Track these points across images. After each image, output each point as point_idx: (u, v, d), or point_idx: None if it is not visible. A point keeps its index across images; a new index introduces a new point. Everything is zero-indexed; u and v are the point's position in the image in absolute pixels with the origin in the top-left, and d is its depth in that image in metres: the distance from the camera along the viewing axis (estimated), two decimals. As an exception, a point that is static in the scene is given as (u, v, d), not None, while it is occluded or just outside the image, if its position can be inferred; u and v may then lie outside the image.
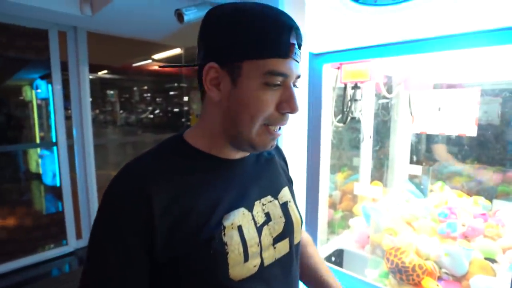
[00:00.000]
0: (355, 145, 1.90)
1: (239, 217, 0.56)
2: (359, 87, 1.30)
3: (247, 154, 0.63)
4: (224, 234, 0.53)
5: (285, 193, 0.67)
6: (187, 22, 1.50)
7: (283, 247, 0.62)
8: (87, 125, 2.82)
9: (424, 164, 1.99)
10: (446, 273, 1.21)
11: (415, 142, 2.06)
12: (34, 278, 2.37)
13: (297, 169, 1.41)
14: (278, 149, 0.78)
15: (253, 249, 0.55)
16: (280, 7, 1.29)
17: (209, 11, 0.56)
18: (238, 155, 0.61)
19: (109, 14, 2.01)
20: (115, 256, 0.49)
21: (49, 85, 3.78)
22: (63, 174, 2.71)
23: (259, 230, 0.58)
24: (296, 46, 0.54)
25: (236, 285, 0.53)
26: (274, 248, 0.60)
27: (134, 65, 5.19)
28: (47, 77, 3.63)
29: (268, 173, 0.67)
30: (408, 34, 1.05)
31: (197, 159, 0.57)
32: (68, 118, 2.78)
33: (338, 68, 1.29)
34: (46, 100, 3.93)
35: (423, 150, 2.08)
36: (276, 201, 0.64)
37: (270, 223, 0.60)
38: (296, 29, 0.54)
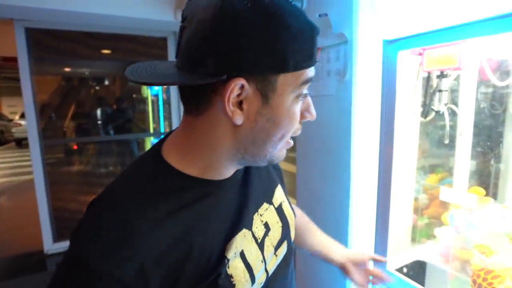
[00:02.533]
0: (451, 144, 1.62)
1: (241, 241, 0.50)
2: (445, 76, 1.10)
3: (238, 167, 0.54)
4: (229, 267, 0.47)
5: (278, 194, 0.63)
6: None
7: (282, 250, 0.60)
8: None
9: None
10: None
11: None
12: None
13: (369, 168, 1.30)
14: None
15: (258, 268, 0.52)
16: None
17: (223, 7, 0.39)
18: (231, 172, 0.52)
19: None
20: None
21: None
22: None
23: (261, 245, 0.54)
24: None
25: None
26: (276, 255, 0.58)
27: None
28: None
29: (259, 178, 0.60)
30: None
31: (185, 189, 0.47)
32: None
33: (420, 54, 1.12)
34: (157, 96, 4.58)
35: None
36: (271, 207, 0.60)
37: (270, 232, 0.57)
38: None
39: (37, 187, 2.70)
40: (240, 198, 0.54)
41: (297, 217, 0.76)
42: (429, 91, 1.14)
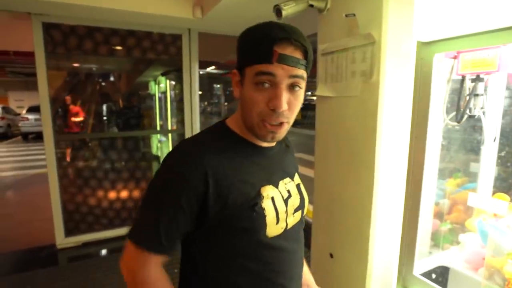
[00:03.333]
0: (473, 148, 1.60)
1: (271, 191, 0.71)
2: (481, 79, 1.08)
3: (272, 144, 0.77)
4: (263, 202, 0.68)
5: (297, 177, 0.84)
6: (285, 17, 1.51)
7: (298, 216, 0.78)
8: (195, 116, 3.17)
9: None
10: None
11: None
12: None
13: (397, 171, 1.28)
14: (290, 144, 0.92)
15: (282, 215, 0.71)
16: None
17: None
18: (265, 143, 0.74)
19: (216, 15, 2.19)
20: (169, 205, 0.64)
21: (167, 81, 4.38)
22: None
23: (286, 202, 0.74)
24: (288, 53, 0.63)
25: (269, 241, 0.69)
26: (293, 216, 0.76)
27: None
28: (167, 73, 4.22)
29: (287, 161, 0.82)
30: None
31: (237, 143, 0.72)
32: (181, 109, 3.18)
33: (455, 57, 1.10)
34: (165, 93, 4.57)
35: None
36: (292, 182, 0.79)
37: (291, 198, 0.76)
38: (288, 39, 0.63)
39: (51, 182, 2.70)
40: (271, 165, 0.76)
41: None
42: (462, 95, 1.11)
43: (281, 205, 0.72)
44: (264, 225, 0.67)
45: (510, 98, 1.56)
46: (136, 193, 3.27)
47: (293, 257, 0.77)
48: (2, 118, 11.81)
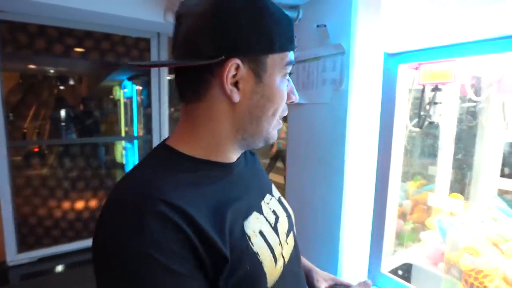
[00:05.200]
0: (432, 152, 1.73)
1: (255, 222, 0.52)
2: (440, 89, 1.18)
3: (240, 154, 0.58)
4: (253, 244, 0.49)
5: (274, 189, 0.67)
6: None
7: (291, 240, 0.61)
8: (164, 121, 3.10)
9: (518, 178, 1.72)
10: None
11: (509, 152, 1.79)
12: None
13: (365, 175, 1.35)
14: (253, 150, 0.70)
15: (277, 250, 0.54)
16: (355, 5, 1.25)
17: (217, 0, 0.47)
18: (235, 156, 0.56)
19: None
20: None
21: (134, 86, 4.24)
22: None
23: (275, 229, 0.56)
24: None
25: None
26: (287, 243, 0.59)
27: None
28: (133, 78, 4.09)
29: (258, 172, 0.65)
30: (504, 29, 0.92)
31: (198, 169, 0.50)
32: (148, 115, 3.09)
33: (416, 68, 1.20)
34: (130, 98, 4.42)
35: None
36: (274, 198, 0.63)
37: (279, 220, 0.59)
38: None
39: (3, 192, 2.46)
40: (246, 184, 0.57)
41: None
42: (423, 104, 1.21)
43: (273, 237, 0.54)
44: (263, 275, 0.48)
45: (463, 107, 1.72)
46: (94, 203, 3.10)
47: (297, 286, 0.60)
48: None
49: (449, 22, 0.99)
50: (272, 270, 0.50)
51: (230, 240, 0.45)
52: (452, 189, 1.79)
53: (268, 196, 0.61)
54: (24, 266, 2.60)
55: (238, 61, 0.47)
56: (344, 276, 1.34)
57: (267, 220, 0.55)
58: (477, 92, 1.57)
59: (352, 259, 1.36)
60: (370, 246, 1.38)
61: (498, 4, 0.87)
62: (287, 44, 0.50)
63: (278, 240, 0.55)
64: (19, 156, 2.82)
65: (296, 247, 0.63)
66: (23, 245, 2.64)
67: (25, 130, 3.19)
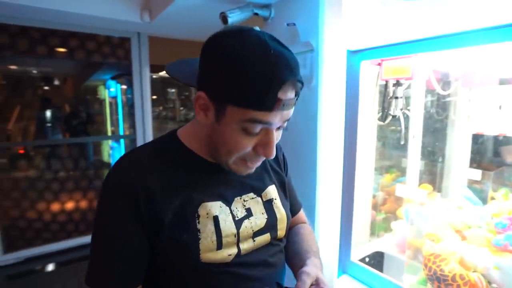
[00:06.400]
0: (403, 146, 1.80)
1: (215, 208, 0.60)
2: (401, 84, 1.24)
3: None
4: (199, 222, 0.57)
5: (270, 191, 0.70)
6: (231, 24, 1.58)
7: (263, 239, 0.65)
8: (147, 121, 3.11)
9: (486, 168, 1.80)
10: None
11: (477, 144, 1.87)
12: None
13: (333, 168, 1.40)
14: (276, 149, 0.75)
15: (228, 239, 0.60)
16: (322, 4, 1.29)
17: (213, 35, 0.55)
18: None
19: (165, 19, 2.19)
20: (118, 232, 0.56)
21: (118, 85, 4.23)
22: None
23: (238, 223, 0.62)
24: (289, 97, 0.51)
25: (209, 268, 0.57)
26: (254, 241, 0.64)
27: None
28: (117, 77, 4.07)
29: (256, 174, 0.66)
30: (459, 26, 0.97)
31: (186, 157, 0.62)
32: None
33: (379, 64, 1.25)
34: (115, 98, 4.40)
35: (487, 153, 1.88)
36: (258, 199, 0.67)
37: (251, 218, 0.64)
38: (292, 80, 0.50)
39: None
40: (225, 180, 0.64)
41: (303, 225, 0.83)
42: (386, 98, 1.27)
43: (228, 227, 0.60)
44: (196, 250, 0.56)
45: (430, 101, 1.79)
46: (86, 203, 3.11)
47: (259, 285, 0.63)
48: None
49: (407, 19, 1.04)
50: (211, 251, 0.58)
51: (177, 210, 0.56)
52: (424, 180, 1.87)
53: (250, 195, 0.66)
54: (11, 266, 2.61)
55: (203, 94, 0.54)
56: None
57: (231, 212, 0.62)
58: (445, 86, 1.64)
59: (324, 249, 1.41)
60: (340, 236, 1.44)
61: (453, 0, 0.92)
62: (251, 102, 0.49)
63: (236, 232, 0.60)
64: (4, 158, 2.81)
65: (271, 245, 0.66)
66: (10, 245, 2.65)
67: (9, 132, 3.16)
